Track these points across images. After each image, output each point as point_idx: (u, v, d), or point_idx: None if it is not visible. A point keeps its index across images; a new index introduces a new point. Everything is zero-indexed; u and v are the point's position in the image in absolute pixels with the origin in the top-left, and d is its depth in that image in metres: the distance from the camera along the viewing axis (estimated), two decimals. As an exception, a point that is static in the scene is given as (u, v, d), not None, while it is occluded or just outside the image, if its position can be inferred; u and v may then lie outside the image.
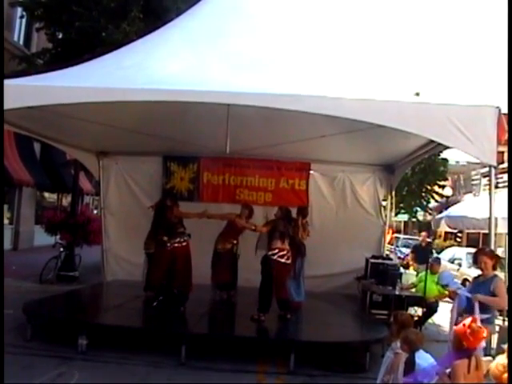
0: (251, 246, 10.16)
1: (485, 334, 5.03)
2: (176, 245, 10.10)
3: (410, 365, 5.31)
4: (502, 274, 11.86)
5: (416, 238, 33.56)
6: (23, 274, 13.66)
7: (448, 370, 5.08)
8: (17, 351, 7.19)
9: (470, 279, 11.18)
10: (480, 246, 22.75)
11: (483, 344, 5.54)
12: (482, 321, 6.06)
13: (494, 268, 6.87)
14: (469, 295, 6.83)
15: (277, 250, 9.33)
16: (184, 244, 10.19)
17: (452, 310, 7.06)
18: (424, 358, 5.26)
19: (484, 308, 6.67)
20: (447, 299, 10.72)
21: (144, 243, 11.01)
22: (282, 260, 9.38)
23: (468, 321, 5.06)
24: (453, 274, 13.40)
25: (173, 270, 10.04)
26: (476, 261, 7.19)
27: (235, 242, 11.06)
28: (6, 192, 19.75)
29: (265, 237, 9.70)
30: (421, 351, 5.32)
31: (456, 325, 5.66)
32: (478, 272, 7.25)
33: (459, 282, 12.41)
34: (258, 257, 9.64)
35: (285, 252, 9.42)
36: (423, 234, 17.02)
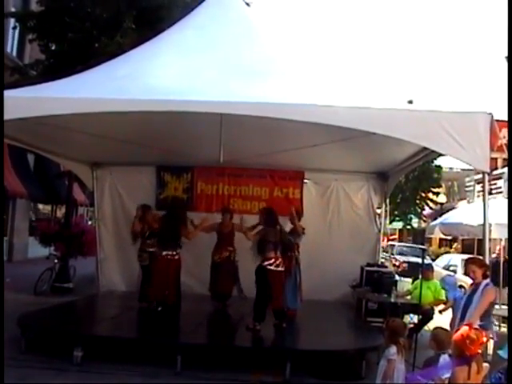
0: (246, 255, 10.11)
1: (484, 339, 5.06)
2: (169, 257, 10.04)
3: (433, 364, 5.37)
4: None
5: (410, 245, 33.54)
6: (17, 286, 13.58)
7: (445, 377, 5.09)
8: (11, 363, 7.13)
9: (466, 286, 11.17)
10: (475, 252, 22.88)
11: None
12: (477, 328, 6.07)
13: (485, 276, 6.89)
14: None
15: (272, 260, 9.32)
16: (176, 257, 10.15)
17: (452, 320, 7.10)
18: (447, 362, 5.31)
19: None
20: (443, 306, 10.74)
21: (138, 255, 10.99)
22: (279, 268, 9.39)
23: (465, 329, 5.06)
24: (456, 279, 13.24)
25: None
26: (466, 270, 7.23)
27: (231, 248, 11.07)
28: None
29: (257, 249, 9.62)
30: (446, 355, 5.35)
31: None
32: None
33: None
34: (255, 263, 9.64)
35: (279, 261, 9.44)
36: (500, 246, 14.36)
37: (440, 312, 10.60)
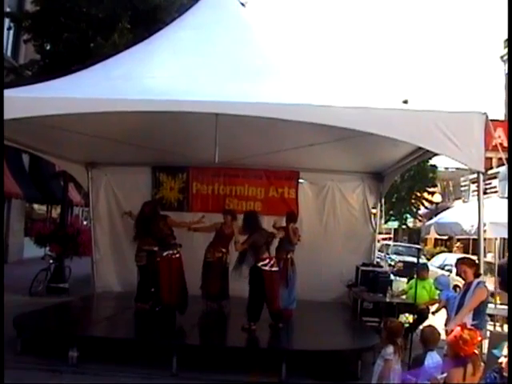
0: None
1: (479, 338, 5.08)
2: (170, 256, 10.04)
3: (419, 362, 5.39)
4: (492, 279, 11.92)
5: (405, 244, 33.49)
6: (13, 287, 13.51)
7: (440, 377, 5.10)
8: (7, 365, 7.06)
9: (460, 285, 11.19)
10: (470, 251, 22.87)
11: None
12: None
13: (476, 275, 6.95)
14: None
15: (267, 261, 9.33)
16: (177, 256, 10.15)
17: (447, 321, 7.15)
18: (435, 360, 5.33)
19: (475, 313, 6.73)
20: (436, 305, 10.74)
21: (135, 255, 10.94)
22: (273, 269, 9.40)
23: (457, 330, 5.07)
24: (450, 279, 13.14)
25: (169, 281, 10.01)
26: (458, 271, 7.30)
27: (225, 250, 11.05)
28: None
29: (250, 254, 9.62)
30: (434, 352, 5.38)
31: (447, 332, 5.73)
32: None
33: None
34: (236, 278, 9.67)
35: (273, 261, 9.46)
36: None
37: (433, 313, 10.60)
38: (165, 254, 10.03)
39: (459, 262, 7.35)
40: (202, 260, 11.08)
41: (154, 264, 10.22)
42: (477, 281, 6.91)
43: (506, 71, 29.71)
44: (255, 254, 9.35)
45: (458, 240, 28.66)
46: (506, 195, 9.38)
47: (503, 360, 4.65)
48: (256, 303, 9.25)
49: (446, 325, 7.28)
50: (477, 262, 7.09)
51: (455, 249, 26.51)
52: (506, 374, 4.54)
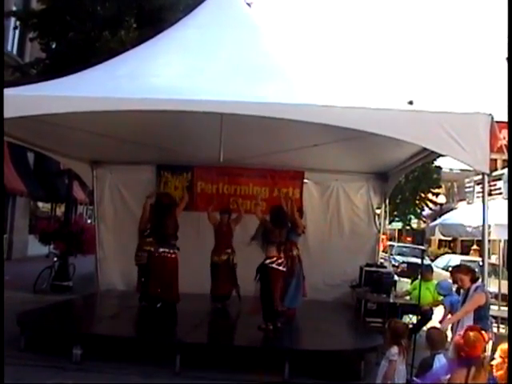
0: (245, 256, 10.15)
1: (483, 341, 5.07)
2: (164, 254, 10.02)
3: (427, 365, 5.37)
4: (496, 281, 11.89)
5: (409, 245, 33.43)
6: (16, 284, 13.56)
7: (444, 378, 5.09)
8: (10, 362, 7.09)
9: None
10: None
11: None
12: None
13: (473, 281, 7.00)
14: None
15: (275, 258, 9.32)
16: (173, 256, 10.12)
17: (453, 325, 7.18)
18: (442, 362, 5.32)
19: (476, 317, 6.75)
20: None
21: (135, 255, 10.92)
22: (280, 268, 9.37)
23: (464, 330, 5.07)
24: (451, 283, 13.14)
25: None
26: (454, 280, 7.37)
27: (229, 251, 11.10)
28: None
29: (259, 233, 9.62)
30: (441, 355, 5.36)
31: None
32: None
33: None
34: (253, 250, 9.63)
35: (281, 260, 9.42)
36: None
37: (440, 322, 10.57)
38: (160, 250, 10.02)
39: (454, 270, 7.43)
40: (205, 260, 11.12)
41: (153, 262, 10.19)
42: (475, 285, 6.96)
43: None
44: (266, 241, 9.35)
45: (462, 242, 28.60)
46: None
47: (493, 362, 4.67)
48: (268, 302, 9.24)
49: (452, 329, 7.29)
50: (481, 264, 7.11)
51: (472, 252, 26.43)
52: (495, 374, 4.57)
